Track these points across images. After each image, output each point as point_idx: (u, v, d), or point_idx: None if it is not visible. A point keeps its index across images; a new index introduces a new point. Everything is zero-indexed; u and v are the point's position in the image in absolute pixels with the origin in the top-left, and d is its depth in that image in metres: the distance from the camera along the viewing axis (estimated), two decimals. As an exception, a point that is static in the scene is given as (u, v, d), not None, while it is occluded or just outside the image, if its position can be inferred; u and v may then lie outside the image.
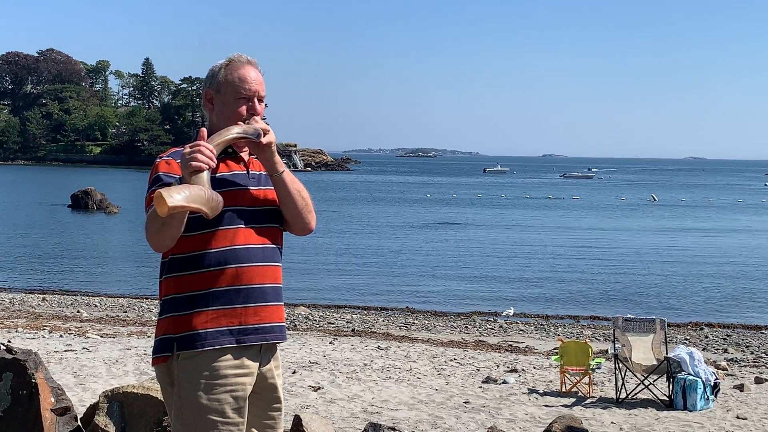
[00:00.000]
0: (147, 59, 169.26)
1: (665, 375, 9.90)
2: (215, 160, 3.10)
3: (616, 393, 9.88)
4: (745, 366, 13.38)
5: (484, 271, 27.47)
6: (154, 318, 17.09)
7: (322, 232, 36.21)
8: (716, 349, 15.46)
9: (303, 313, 18.69)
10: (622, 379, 9.93)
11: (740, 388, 10.73)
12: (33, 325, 15.46)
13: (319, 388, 9.90)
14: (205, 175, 3.04)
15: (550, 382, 10.92)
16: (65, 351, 12.00)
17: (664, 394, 9.83)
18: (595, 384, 10.62)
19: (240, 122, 3.32)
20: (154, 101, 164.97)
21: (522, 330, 17.41)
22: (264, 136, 3.29)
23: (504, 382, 10.80)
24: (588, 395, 10.09)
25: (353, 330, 16.62)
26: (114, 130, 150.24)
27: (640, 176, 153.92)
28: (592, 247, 34.59)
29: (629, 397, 9.86)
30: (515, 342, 15.58)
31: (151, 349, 3.39)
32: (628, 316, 10.52)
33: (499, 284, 24.67)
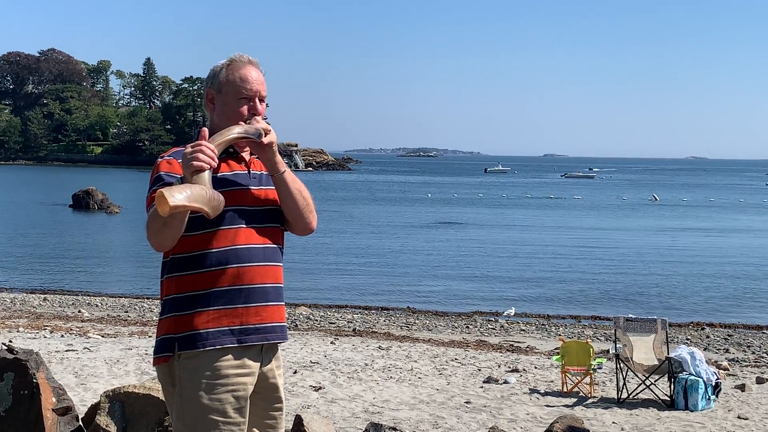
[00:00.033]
0: (148, 59, 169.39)
1: (666, 375, 9.90)
2: (217, 160, 3.10)
3: (618, 393, 9.88)
4: (746, 366, 13.37)
5: (485, 270, 27.47)
6: (155, 318, 17.10)
7: (323, 232, 36.21)
8: (717, 349, 15.45)
9: (304, 312, 18.69)
10: (624, 379, 9.93)
11: (741, 388, 10.73)
12: (34, 325, 15.47)
13: (320, 388, 9.90)
14: (207, 175, 3.04)
15: (552, 382, 10.92)
16: (66, 351, 12.01)
17: (666, 394, 9.83)
18: (597, 384, 10.62)
19: (241, 122, 3.32)
20: (156, 101, 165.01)
21: (523, 330, 17.41)
22: (265, 136, 3.29)
23: (505, 382, 10.79)
24: (589, 395, 10.09)
25: (354, 330, 16.62)
26: (115, 130, 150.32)
27: (641, 176, 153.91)
28: (593, 247, 34.58)
29: (630, 397, 9.85)
30: (516, 342, 15.58)
31: (152, 348, 3.38)
32: (630, 316, 10.52)
33: (501, 284, 24.67)
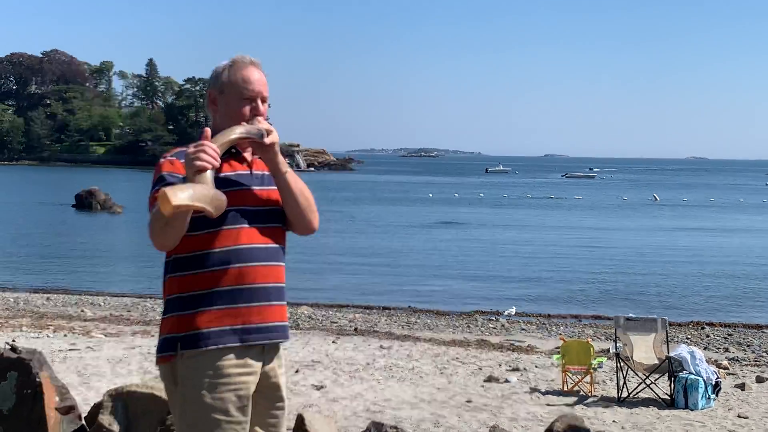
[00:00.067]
0: (151, 60, 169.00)
1: (667, 374, 9.93)
2: (219, 160, 3.12)
3: (618, 392, 9.90)
4: (746, 365, 13.40)
5: (486, 270, 27.48)
6: (157, 317, 17.12)
7: (324, 232, 36.19)
8: (717, 349, 15.47)
9: (306, 312, 18.71)
10: (624, 378, 9.96)
11: (741, 387, 10.75)
12: (37, 324, 15.50)
13: (321, 387, 9.92)
14: (209, 175, 3.06)
15: (552, 381, 10.94)
16: (69, 350, 12.03)
17: (666, 393, 9.86)
18: (597, 383, 10.64)
19: (243, 122, 3.35)
20: (158, 102, 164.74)
21: (524, 329, 17.43)
22: (267, 136, 3.31)
23: (506, 381, 10.82)
24: (590, 394, 10.11)
25: (356, 329, 16.64)
26: (118, 131, 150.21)
27: (642, 176, 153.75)
28: (593, 247, 34.58)
29: (631, 396, 9.88)
30: (517, 341, 15.59)
31: (155, 348, 3.41)
32: (630, 315, 10.55)
33: (501, 283, 24.67)
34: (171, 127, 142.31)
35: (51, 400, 5.50)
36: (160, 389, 5.64)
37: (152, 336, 14.03)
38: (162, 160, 3.32)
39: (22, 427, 5.44)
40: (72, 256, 30.30)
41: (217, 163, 3.10)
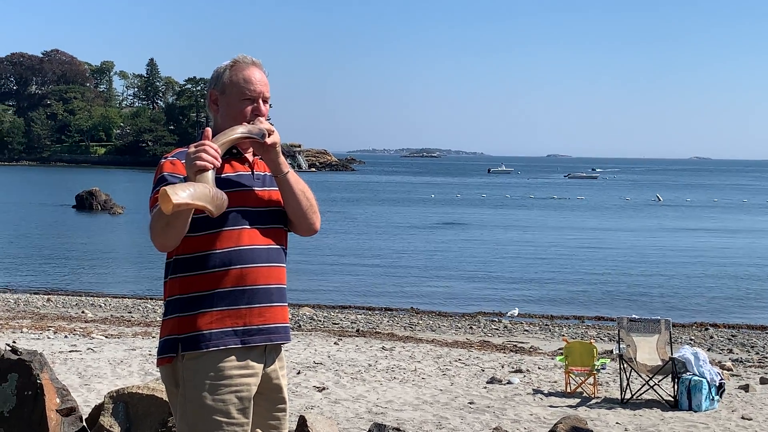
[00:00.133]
0: (151, 60, 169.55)
1: (670, 375, 9.89)
2: (220, 160, 3.11)
3: (621, 393, 9.87)
4: (750, 366, 13.36)
5: (488, 271, 27.46)
6: (158, 318, 17.10)
7: (326, 233, 36.22)
8: (721, 350, 15.44)
9: (307, 313, 18.69)
10: (627, 379, 9.92)
11: (745, 388, 10.71)
12: (38, 325, 15.48)
13: (323, 389, 9.90)
14: (210, 175, 3.04)
15: (555, 382, 10.91)
16: (70, 351, 12.02)
17: (669, 395, 9.82)
18: (600, 384, 10.61)
19: (244, 122, 3.32)
20: (159, 102, 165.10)
21: (527, 330, 17.40)
22: (268, 137, 3.30)
23: (509, 382, 10.79)
24: (593, 396, 10.08)
25: (358, 330, 16.62)
26: (118, 131, 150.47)
27: (645, 176, 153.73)
28: (596, 248, 34.56)
29: (634, 397, 9.84)
30: (520, 342, 15.56)
31: (156, 349, 3.39)
32: (633, 316, 10.51)
33: (504, 284, 24.65)
34: (172, 127, 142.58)
35: (52, 402, 5.48)
36: (161, 391, 5.63)
37: (153, 337, 14.02)
38: (163, 160, 3.32)
39: (22, 429, 5.42)
40: (72, 257, 30.31)
41: (218, 163, 3.08)
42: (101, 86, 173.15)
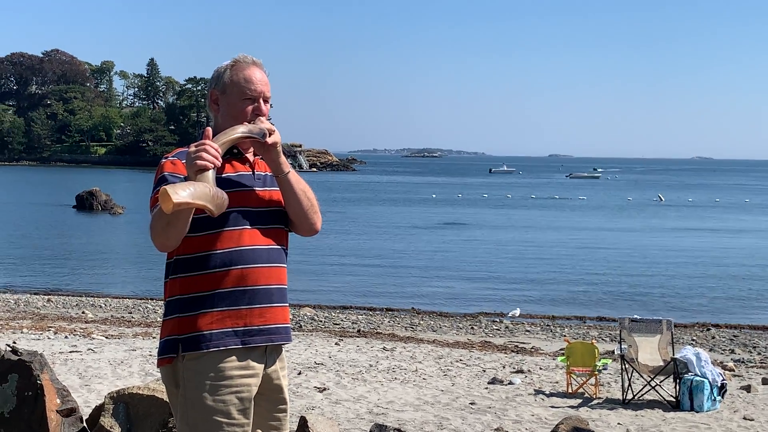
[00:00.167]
0: (152, 59, 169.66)
1: (672, 376, 9.87)
2: (220, 159, 3.10)
3: (623, 394, 9.85)
4: (752, 367, 13.35)
5: (489, 271, 27.45)
6: (159, 319, 17.10)
7: (327, 233, 36.22)
8: (723, 350, 15.42)
9: (308, 314, 18.69)
10: (629, 380, 9.91)
11: (747, 389, 10.70)
12: (38, 326, 15.48)
13: (324, 389, 9.88)
14: (211, 174, 3.04)
15: (557, 383, 10.89)
16: (70, 352, 12.01)
17: (671, 395, 9.80)
18: (602, 385, 10.60)
19: (245, 122, 3.31)
20: (159, 102, 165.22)
21: (528, 331, 17.39)
22: (269, 136, 3.29)
23: (510, 383, 10.77)
24: (594, 396, 10.06)
25: (359, 331, 16.62)
26: (119, 131, 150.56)
27: (647, 176, 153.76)
28: (598, 248, 34.55)
29: (636, 398, 9.83)
30: (521, 343, 15.56)
31: (157, 350, 3.38)
32: (635, 316, 10.49)
33: (505, 285, 24.64)
34: (172, 127, 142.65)
35: (52, 403, 5.47)
36: (161, 391, 5.61)
37: (154, 338, 14.02)
38: (164, 160, 3.31)
39: (23, 430, 5.40)
40: (73, 257, 30.32)
41: (218, 162, 3.07)
42: (101, 86, 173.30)
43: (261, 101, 3.37)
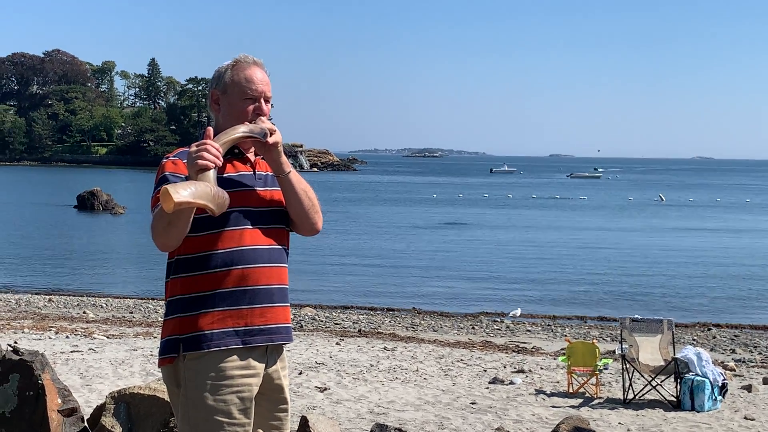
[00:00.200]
0: (153, 60, 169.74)
1: (673, 376, 9.87)
2: (221, 159, 3.10)
3: (624, 394, 9.85)
4: (753, 366, 13.35)
5: (490, 271, 27.45)
6: (160, 319, 17.10)
7: (328, 233, 36.22)
8: (724, 350, 15.42)
9: (309, 313, 18.69)
10: (630, 379, 9.91)
11: (748, 388, 10.70)
12: (39, 326, 15.48)
13: (325, 389, 9.89)
14: (212, 174, 3.04)
15: (558, 382, 10.89)
16: (72, 352, 12.01)
17: (672, 395, 9.80)
18: (603, 385, 10.60)
19: (246, 122, 3.31)
20: (160, 102, 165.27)
21: (529, 330, 17.39)
22: (270, 136, 3.29)
23: (511, 382, 10.77)
24: (595, 396, 10.06)
25: (360, 331, 16.62)
26: (120, 131, 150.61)
27: (648, 176, 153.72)
28: (599, 248, 34.54)
29: (637, 397, 9.83)
30: (522, 343, 15.55)
31: (158, 350, 3.38)
32: (636, 316, 10.49)
33: (506, 285, 24.64)
34: (173, 127, 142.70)
35: (53, 402, 5.47)
36: (162, 391, 5.62)
37: (155, 338, 14.02)
38: (165, 160, 3.31)
39: (24, 430, 5.40)
40: (74, 257, 30.33)
41: (219, 162, 3.07)
42: (102, 86, 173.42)
43: (262, 101, 3.37)
